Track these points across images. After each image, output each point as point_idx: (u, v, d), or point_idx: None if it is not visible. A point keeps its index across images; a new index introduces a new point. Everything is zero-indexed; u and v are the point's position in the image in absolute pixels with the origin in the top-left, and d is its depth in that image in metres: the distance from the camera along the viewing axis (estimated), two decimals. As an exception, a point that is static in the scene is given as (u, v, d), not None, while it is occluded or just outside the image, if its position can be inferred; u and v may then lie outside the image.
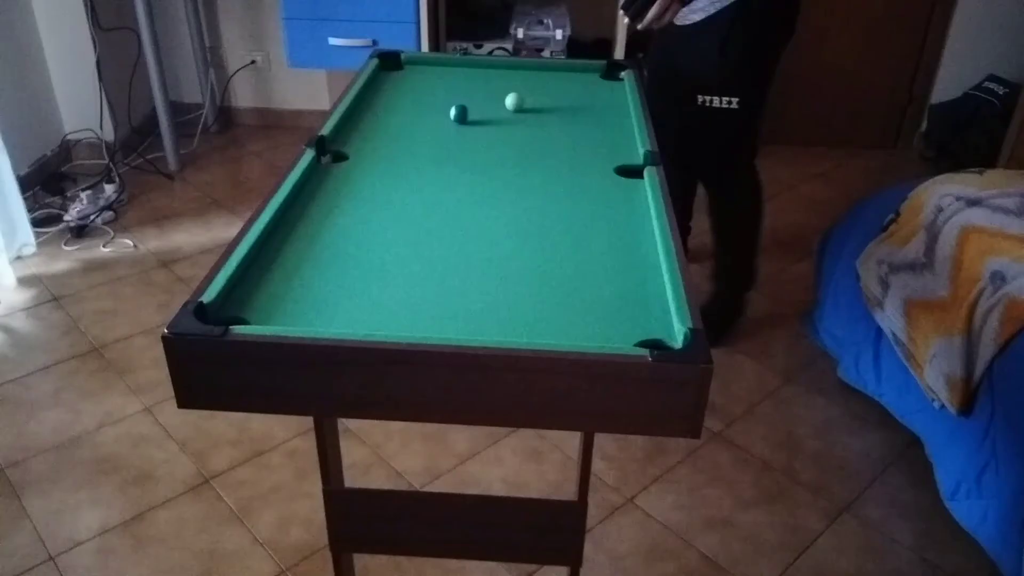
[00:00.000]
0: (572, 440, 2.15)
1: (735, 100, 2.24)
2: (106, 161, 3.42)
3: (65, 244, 3.01)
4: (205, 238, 3.10)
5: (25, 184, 3.07)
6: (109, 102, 3.39)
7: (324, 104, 3.93)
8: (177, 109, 3.75)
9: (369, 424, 2.19)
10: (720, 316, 2.62)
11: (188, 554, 1.83)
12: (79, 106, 3.40)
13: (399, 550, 1.63)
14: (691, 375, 1.01)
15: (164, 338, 1.03)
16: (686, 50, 2.31)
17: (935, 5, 3.70)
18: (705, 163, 2.47)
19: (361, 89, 1.89)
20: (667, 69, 2.42)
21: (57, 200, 3.21)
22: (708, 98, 2.26)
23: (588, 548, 1.83)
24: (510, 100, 1.84)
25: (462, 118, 1.76)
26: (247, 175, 3.63)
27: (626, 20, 1.85)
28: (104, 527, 1.89)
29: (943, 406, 1.89)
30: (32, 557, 1.81)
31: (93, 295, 2.73)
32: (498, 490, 2.02)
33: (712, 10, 2.19)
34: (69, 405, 2.26)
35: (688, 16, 2.24)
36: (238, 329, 1.04)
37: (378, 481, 2.04)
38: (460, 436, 2.18)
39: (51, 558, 1.81)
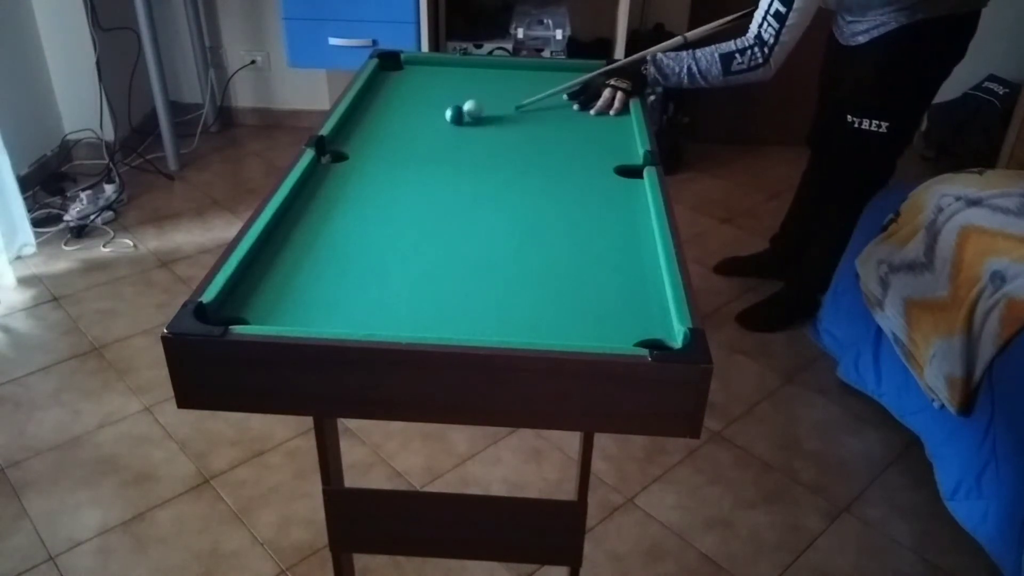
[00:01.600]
0: (572, 440, 2.15)
1: (885, 124, 2.25)
2: (106, 161, 3.41)
3: (65, 244, 3.01)
4: (205, 238, 3.10)
5: (25, 184, 3.07)
6: (109, 102, 3.39)
7: (324, 104, 3.93)
8: (177, 109, 3.75)
9: (369, 424, 2.19)
10: (784, 310, 2.67)
11: (188, 554, 1.83)
12: (79, 106, 3.40)
13: (399, 550, 1.63)
14: (691, 375, 1.01)
15: (164, 338, 1.03)
16: (846, 69, 2.33)
17: (935, 5, 3.69)
18: (839, 176, 2.48)
19: (361, 89, 1.89)
20: (829, 79, 2.47)
21: (57, 200, 3.20)
22: (858, 119, 2.27)
23: (588, 548, 1.83)
24: (468, 106, 1.80)
25: (458, 119, 1.76)
26: (247, 175, 3.63)
27: (575, 107, 1.91)
28: (104, 527, 1.89)
29: (943, 406, 1.89)
30: (32, 557, 1.81)
31: (93, 295, 2.73)
32: (498, 490, 2.02)
33: (876, 33, 2.19)
34: (69, 405, 2.26)
35: (854, 38, 2.26)
36: (238, 329, 1.04)
37: (378, 481, 2.04)
38: (460, 436, 2.18)
39: (51, 558, 1.81)
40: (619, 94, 1.90)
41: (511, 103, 1.90)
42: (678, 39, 2.10)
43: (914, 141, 3.96)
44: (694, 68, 1.99)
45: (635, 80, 1.95)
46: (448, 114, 1.77)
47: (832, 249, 2.50)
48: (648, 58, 2.00)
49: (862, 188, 2.43)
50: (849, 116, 2.29)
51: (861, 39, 2.24)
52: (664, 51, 2.04)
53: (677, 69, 2.00)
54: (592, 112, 1.89)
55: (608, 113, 1.89)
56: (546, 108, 1.89)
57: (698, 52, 2.00)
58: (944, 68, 2.27)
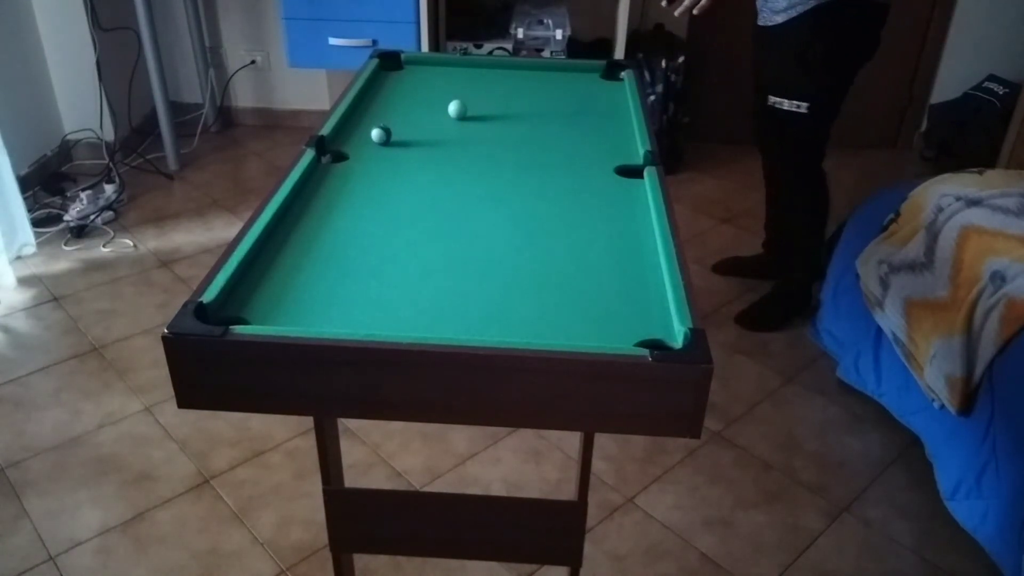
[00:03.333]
0: (572, 440, 2.15)
1: (804, 105, 2.29)
2: (106, 161, 3.42)
3: (65, 244, 3.01)
4: (205, 238, 3.10)
5: (25, 184, 3.07)
6: (109, 102, 3.39)
7: (324, 104, 3.93)
8: (177, 109, 3.75)
9: (369, 424, 2.19)
10: (780, 307, 2.69)
11: (188, 554, 1.83)
12: (79, 106, 3.40)
13: (399, 550, 1.63)
14: (691, 375, 1.01)
15: (164, 338, 1.03)
16: (765, 50, 2.37)
17: (935, 5, 3.70)
18: (778, 159, 2.52)
19: (361, 89, 1.89)
20: (754, 62, 2.49)
21: (57, 200, 3.20)
22: (778, 100, 2.31)
23: (588, 548, 1.83)
24: (453, 107, 1.78)
25: (386, 141, 1.66)
26: (247, 175, 3.63)
27: (664, 3, 1.88)
28: (104, 527, 1.89)
29: (943, 406, 1.89)
30: (32, 557, 1.81)
31: (93, 295, 2.73)
32: (498, 490, 2.02)
33: (794, 13, 2.22)
34: (69, 405, 2.26)
35: (771, 17, 2.28)
36: (238, 329, 1.04)
37: (378, 481, 2.04)
38: (460, 436, 2.18)
39: (51, 558, 1.81)
40: None
41: (511, 103, 1.90)
42: None
43: (914, 141, 3.97)
44: None
45: None
46: (375, 134, 1.65)
47: (804, 233, 2.51)
48: None
49: (801, 166, 2.46)
50: (771, 97, 2.33)
51: (779, 19, 2.27)
52: None
53: None
54: (676, 14, 1.90)
55: (694, 12, 1.89)
56: (546, 109, 1.89)
57: None
58: (853, 55, 2.30)
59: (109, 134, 3.46)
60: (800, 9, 2.20)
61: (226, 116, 4.01)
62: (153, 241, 3.07)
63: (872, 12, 2.23)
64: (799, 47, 2.25)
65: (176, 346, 1.03)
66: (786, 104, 2.31)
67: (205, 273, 1.15)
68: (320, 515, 1.88)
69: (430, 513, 1.46)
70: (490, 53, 3.25)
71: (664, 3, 1.88)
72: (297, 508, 1.95)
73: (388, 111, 1.83)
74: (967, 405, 1.83)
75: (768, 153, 2.57)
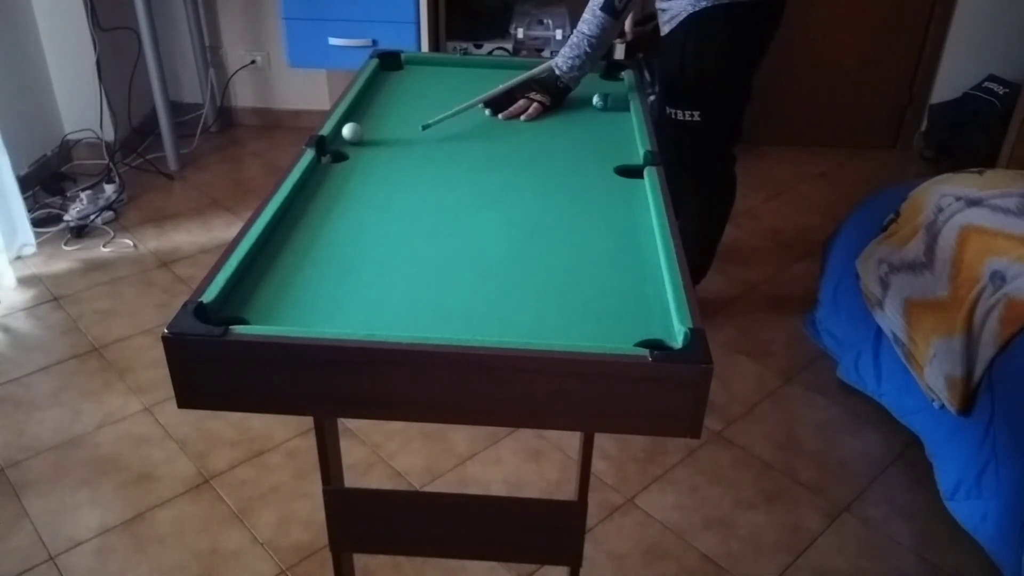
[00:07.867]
0: (572, 440, 2.15)
1: (696, 114, 2.28)
2: (106, 161, 3.42)
3: (65, 244, 3.01)
4: (205, 238, 3.10)
5: (25, 184, 3.07)
6: (109, 102, 3.39)
7: (324, 104, 3.93)
8: (177, 109, 3.75)
9: (369, 424, 2.19)
10: None
11: (188, 554, 1.83)
12: (79, 106, 3.40)
13: (399, 550, 1.63)
14: (691, 375, 1.01)
15: (164, 338, 1.03)
16: (660, 62, 2.37)
17: (935, 5, 3.70)
18: (675, 165, 2.48)
19: (361, 89, 1.89)
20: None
21: (57, 200, 3.21)
22: (673, 110, 2.31)
23: (588, 548, 1.83)
24: (347, 131, 1.65)
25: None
26: (247, 175, 3.63)
27: (487, 112, 1.84)
28: (104, 527, 1.89)
29: (943, 406, 1.89)
30: (32, 557, 1.81)
31: (93, 295, 2.74)
32: (498, 490, 2.02)
33: (674, 23, 2.22)
34: (69, 405, 2.26)
35: (663, 27, 2.28)
36: (238, 329, 1.04)
37: (378, 481, 2.04)
38: (460, 436, 2.18)
39: (51, 558, 1.81)
40: (535, 105, 1.84)
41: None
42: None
43: (914, 141, 3.97)
44: (592, 38, 1.92)
45: (555, 96, 1.89)
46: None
47: (692, 241, 2.50)
48: (554, 71, 1.91)
49: (698, 173, 2.47)
50: (667, 108, 2.32)
51: (665, 29, 2.26)
52: (554, 60, 1.95)
53: (580, 51, 1.92)
54: (500, 117, 1.82)
55: (519, 119, 1.82)
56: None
57: (581, 24, 1.95)
58: (743, 53, 2.25)
59: (109, 134, 3.46)
60: (677, 20, 2.20)
61: (226, 116, 4.02)
62: (153, 241, 3.07)
63: (745, 13, 2.15)
64: (681, 56, 2.23)
65: (176, 346, 1.03)
66: (679, 114, 2.29)
67: (205, 273, 1.15)
68: (320, 515, 1.88)
69: (430, 513, 1.46)
70: (490, 53, 3.25)
71: (488, 112, 1.84)
72: (297, 508, 1.95)
73: (388, 111, 1.83)
74: (967, 405, 1.83)
75: (669, 158, 2.53)
